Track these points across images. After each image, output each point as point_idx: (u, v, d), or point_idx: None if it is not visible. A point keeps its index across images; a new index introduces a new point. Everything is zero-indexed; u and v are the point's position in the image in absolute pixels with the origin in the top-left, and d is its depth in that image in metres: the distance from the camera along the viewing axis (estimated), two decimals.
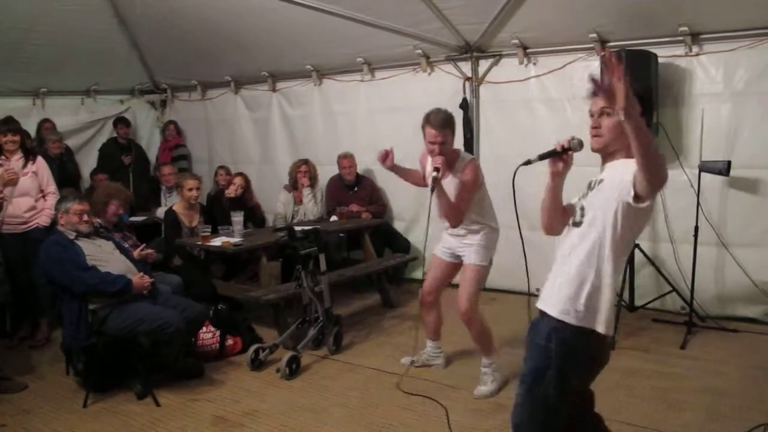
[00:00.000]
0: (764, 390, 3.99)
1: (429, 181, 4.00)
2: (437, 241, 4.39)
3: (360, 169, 7.23)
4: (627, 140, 2.09)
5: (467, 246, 4.14)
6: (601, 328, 2.29)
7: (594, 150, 2.36)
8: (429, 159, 4.11)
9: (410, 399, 4.09)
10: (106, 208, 5.12)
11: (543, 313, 2.41)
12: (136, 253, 4.68)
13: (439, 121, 4.00)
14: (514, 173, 2.40)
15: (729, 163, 4.84)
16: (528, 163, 2.37)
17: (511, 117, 6.32)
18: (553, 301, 2.36)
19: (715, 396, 3.93)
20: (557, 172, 2.39)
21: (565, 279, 2.34)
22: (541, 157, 2.35)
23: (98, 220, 4.89)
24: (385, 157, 4.28)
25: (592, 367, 2.41)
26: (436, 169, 3.89)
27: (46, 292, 4.58)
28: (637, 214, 2.23)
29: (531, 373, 2.37)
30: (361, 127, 7.41)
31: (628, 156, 2.18)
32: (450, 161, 4.08)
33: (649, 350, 4.80)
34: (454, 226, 4.07)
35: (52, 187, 5.46)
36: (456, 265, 4.29)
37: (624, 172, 2.19)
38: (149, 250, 4.80)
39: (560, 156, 2.35)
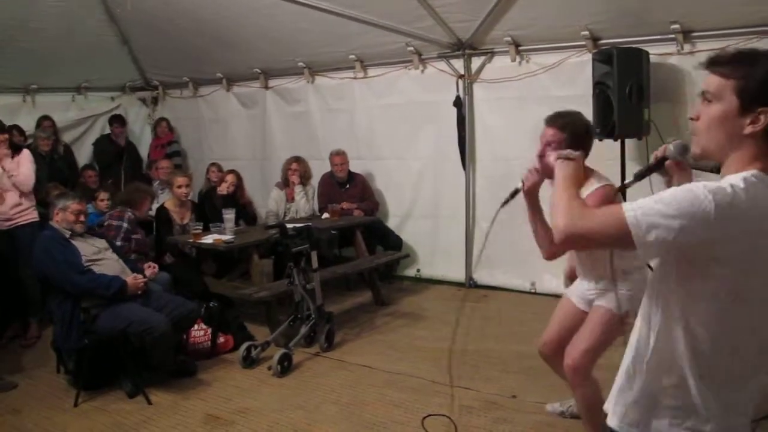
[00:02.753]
0: None
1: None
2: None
3: (357, 166, 7.24)
4: (736, 142, 1.50)
5: (603, 290, 3.07)
6: None
7: (696, 158, 1.68)
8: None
9: (402, 396, 4.08)
10: (142, 202, 5.64)
11: None
12: (148, 273, 4.70)
13: (551, 117, 3.00)
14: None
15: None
16: (626, 186, 1.88)
17: (506, 114, 6.32)
18: None
19: None
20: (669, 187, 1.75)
21: None
22: (639, 177, 1.81)
23: (133, 213, 5.46)
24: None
25: None
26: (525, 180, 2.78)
27: (36, 289, 4.56)
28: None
29: None
30: (355, 123, 7.41)
31: (742, 167, 1.48)
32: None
33: None
34: (546, 257, 3.03)
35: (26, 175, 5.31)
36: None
37: None
38: (152, 270, 4.87)
39: (659, 170, 1.82)
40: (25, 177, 5.24)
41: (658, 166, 1.81)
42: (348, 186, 7.10)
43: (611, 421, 1.62)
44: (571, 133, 2.89)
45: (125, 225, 5.32)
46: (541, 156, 2.69)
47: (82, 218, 4.44)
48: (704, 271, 1.44)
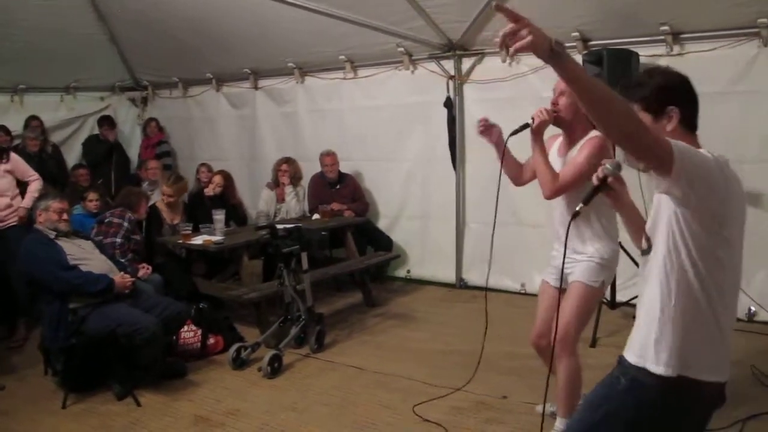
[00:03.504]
0: (742, 387, 4.02)
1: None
2: None
3: (347, 166, 7.23)
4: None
5: (576, 263, 3.19)
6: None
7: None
8: (557, 142, 3.37)
9: (393, 396, 4.08)
10: (140, 205, 5.66)
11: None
12: (140, 273, 4.97)
13: None
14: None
15: None
16: (577, 215, 2.11)
17: (496, 115, 6.28)
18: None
19: None
20: (614, 202, 2.14)
21: None
22: (587, 200, 2.10)
23: (133, 216, 5.47)
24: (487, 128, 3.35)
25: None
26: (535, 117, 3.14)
27: (23, 292, 4.53)
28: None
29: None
30: (345, 124, 7.40)
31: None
32: (571, 135, 3.22)
33: None
34: (547, 197, 3.17)
35: (33, 174, 5.48)
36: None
37: None
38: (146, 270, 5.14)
39: (604, 189, 2.07)
40: (35, 183, 5.57)
41: (603, 184, 2.06)
42: (339, 186, 7.09)
43: (657, 369, 1.86)
44: None
45: (126, 224, 5.32)
46: (554, 104, 3.12)
47: (65, 216, 4.43)
48: (705, 221, 1.77)
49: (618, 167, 2.03)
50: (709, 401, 1.94)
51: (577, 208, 2.09)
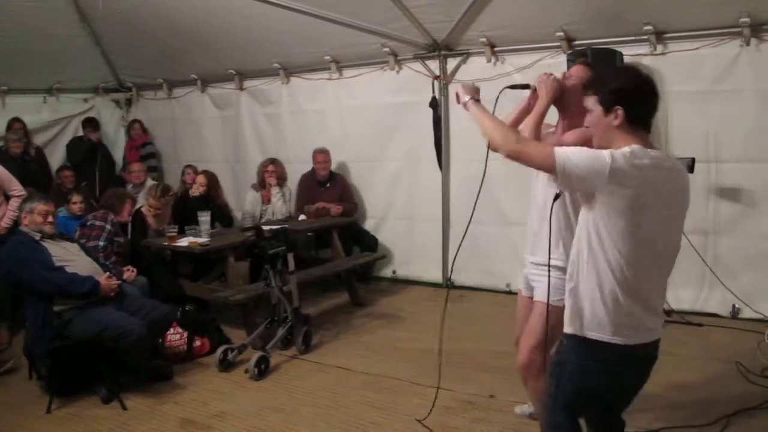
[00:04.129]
0: (727, 383, 4.06)
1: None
2: None
3: (334, 167, 7.21)
4: (612, 133, 2.21)
5: (542, 275, 2.85)
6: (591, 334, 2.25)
7: (597, 148, 2.24)
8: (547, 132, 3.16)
9: (380, 397, 4.08)
10: (123, 207, 5.61)
11: None
12: (125, 276, 4.99)
13: (576, 57, 3.24)
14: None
15: (693, 160, 4.92)
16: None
17: None
18: None
19: (680, 389, 3.98)
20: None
21: None
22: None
23: (115, 218, 5.42)
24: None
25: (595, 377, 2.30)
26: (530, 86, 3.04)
27: (6, 295, 4.48)
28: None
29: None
30: (331, 125, 7.39)
31: (625, 146, 2.16)
32: (566, 122, 3.03)
33: None
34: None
35: (16, 188, 5.35)
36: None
37: None
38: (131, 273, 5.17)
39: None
40: (14, 201, 5.25)
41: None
42: (328, 185, 7.08)
43: (567, 329, 2.32)
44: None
45: (108, 226, 5.28)
46: (564, 77, 3.03)
47: (50, 219, 4.37)
48: (612, 207, 2.13)
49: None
50: (637, 358, 2.27)
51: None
